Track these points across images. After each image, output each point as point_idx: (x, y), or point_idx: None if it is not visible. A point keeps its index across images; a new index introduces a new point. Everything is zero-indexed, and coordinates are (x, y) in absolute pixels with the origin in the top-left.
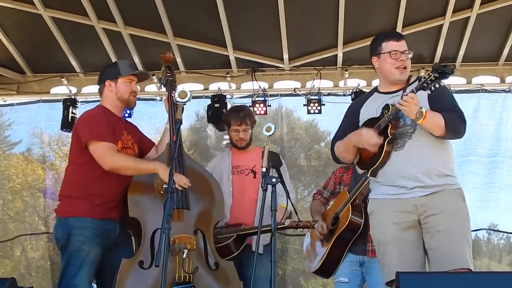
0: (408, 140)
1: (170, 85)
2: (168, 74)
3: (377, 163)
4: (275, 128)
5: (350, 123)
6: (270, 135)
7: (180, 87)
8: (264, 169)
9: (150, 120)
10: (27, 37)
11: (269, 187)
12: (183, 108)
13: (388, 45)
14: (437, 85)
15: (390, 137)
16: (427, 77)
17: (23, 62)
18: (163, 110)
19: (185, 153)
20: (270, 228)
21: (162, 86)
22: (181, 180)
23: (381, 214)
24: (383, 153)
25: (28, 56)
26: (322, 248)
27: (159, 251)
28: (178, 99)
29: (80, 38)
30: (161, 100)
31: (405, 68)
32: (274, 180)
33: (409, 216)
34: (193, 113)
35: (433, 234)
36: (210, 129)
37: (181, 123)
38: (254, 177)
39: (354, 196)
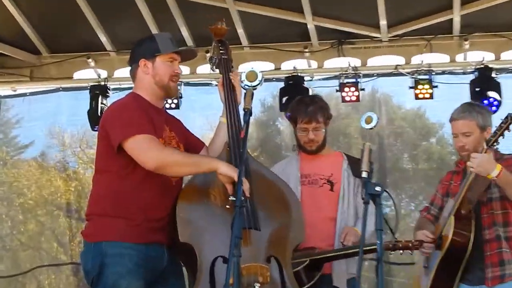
0: None
1: (225, 66)
2: (221, 51)
3: None
4: (377, 119)
5: None
6: (371, 128)
7: (245, 67)
8: (365, 174)
9: (203, 111)
10: (42, 6)
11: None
12: (252, 94)
13: None
14: None
15: None
16: None
17: (37, 38)
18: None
19: (250, 155)
20: (358, 250)
21: (214, 67)
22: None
23: None
24: None
25: (43, 31)
26: (425, 278)
27: (226, 286)
28: (246, 82)
29: (111, 6)
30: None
31: None
32: (378, 189)
33: None
34: (258, 101)
35: None
36: (282, 123)
37: (250, 114)
38: (332, 189)
39: (458, 204)
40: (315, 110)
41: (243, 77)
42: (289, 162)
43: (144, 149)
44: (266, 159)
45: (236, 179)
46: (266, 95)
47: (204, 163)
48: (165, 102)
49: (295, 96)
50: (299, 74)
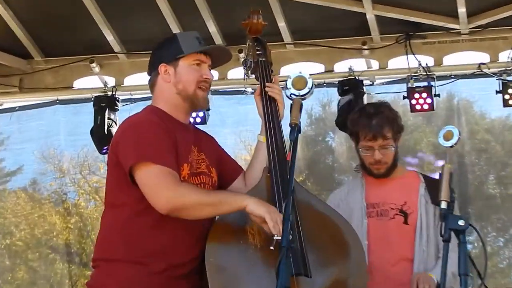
0: None
1: (263, 70)
2: (258, 52)
3: None
4: (459, 134)
5: None
6: (452, 146)
7: (289, 70)
8: (444, 205)
9: (236, 126)
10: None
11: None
12: (301, 105)
13: None
14: None
15: None
16: None
17: (27, 39)
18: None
19: (296, 180)
20: None
21: (249, 71)
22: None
23: None
24: None
25: (35, 30)
26: None
27: None
28: (292, 90)
29: None
30: (254, 92)
31: None
32: (461, 223)
33: None
34: (303, 112)
35: None
36: (334, 138)
37: (299, 131)
38: (406, 222)
39: None
40: (381, 123)
41: (289, 83)
42: (352, 188)
43: (156, 187)
44: (315, 185)
45: (266, 218)
46: (314, 104)
47: (227, 202)
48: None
49: (353, 105)
50: (356, 77)
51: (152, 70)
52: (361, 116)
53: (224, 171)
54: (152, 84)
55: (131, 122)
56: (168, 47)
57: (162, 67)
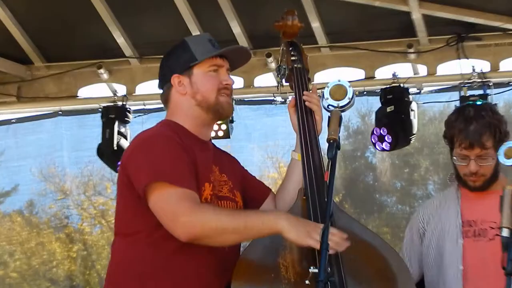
0: None
1: (299, 78)
2: (293, 58)
3: None
4: None
5: None
6: None
7: (325, 76)
8: (506, 233)
9: (263, 140)
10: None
11: None
12: (340, 118)
13: None
14: None
15: None
16: None
17: (27, 42)
18: (289, 120)
19: (335, 204)
20: None
21: (283, 79)
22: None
23: None
24: None
25: (36, 33)
26: None
27: None
28: (331, 101)
29: None
30: (284, 102)
31: None
32: None
33: None
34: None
35: None
36: (375, 154)
37: (338, 147)
38: None
39: None
40: (480, 130)
41: (326, 93)
42: (445, 201)
43: (173, 211)
44: (353, 207)
45: (310, 246)
46: (352, 115)
47: (259, 225)
48: None
49: (398, 116)
50: (401, 84)
51: (164, 83)
52: (458, 118)
53: (250, 195)
54: (166, 99)
55: (143, 137)
56: (179, 55)
57: (175, 79)
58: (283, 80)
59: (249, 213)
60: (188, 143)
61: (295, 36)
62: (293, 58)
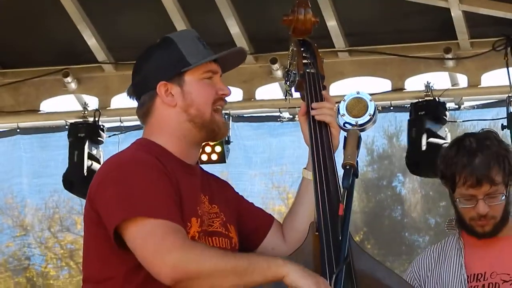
0: None
1: (312, 86)
2: (305, 61)
3: None
4: None
5: None
6: None
7: (343, 87)
8: None
9: (266, 165)
10: None
11: None
12: (359, 139)
13: None
14: None
15: None
16: None
17: None
18: (298, 140)
19: (355, 243)
20: None
21: (293, 87)
22: None
23: None
24: None
25: None
26: None
27: None
28: (348, 118)
29: None
30: (293, 119)
31: None
32: None
33: None
34: (362, 145)
35: None
36: (404, 183)
37: (355, 176)
38: None
39: None
40: (487, 163)
41: (342, 108)
42: (444, 254)
43: (156, 250)
44: (376, 248)
45: None
46: (378, 136)
47: (258, 269)
48: None
49: (430, 135)
50: (436, 98)
51: (143, 91)
52: (459, 152)
53: (249, 227)
54: (145, 112)
55: (114, 162)
56: (164, 57)
57: (161, 87)
58: (293, 89)
59: (251, 255)
60: (170, 168)
61: (308, 33)
62: (305, 61)
